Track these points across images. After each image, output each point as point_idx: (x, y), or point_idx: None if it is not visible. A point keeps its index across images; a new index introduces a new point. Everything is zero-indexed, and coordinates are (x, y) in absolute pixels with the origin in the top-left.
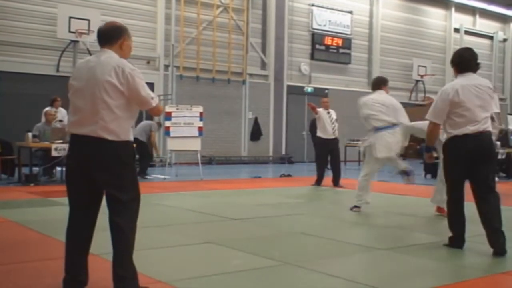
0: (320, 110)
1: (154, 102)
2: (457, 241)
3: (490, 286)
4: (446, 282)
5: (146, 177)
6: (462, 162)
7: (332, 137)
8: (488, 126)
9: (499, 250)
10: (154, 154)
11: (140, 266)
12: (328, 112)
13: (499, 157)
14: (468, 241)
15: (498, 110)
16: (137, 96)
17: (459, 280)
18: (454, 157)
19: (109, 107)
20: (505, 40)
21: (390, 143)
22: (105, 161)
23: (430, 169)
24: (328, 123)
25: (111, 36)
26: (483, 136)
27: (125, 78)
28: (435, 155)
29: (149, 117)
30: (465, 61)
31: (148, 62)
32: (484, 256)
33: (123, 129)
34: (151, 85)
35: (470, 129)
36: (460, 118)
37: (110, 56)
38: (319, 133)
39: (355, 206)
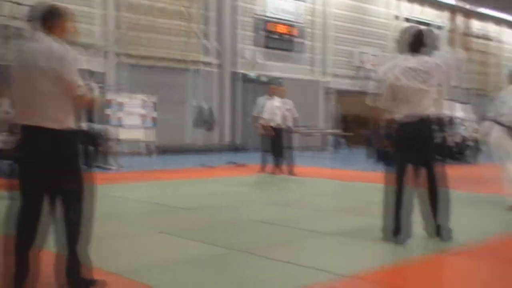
0: (265, 100)
1: (80, 91)
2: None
3: (432, 265)
4: (391, 262)
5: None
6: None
7: (278, 125)
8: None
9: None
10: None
11: (92, 258)
12: (277, 100)
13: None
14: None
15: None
16: (65, 81)
17: (401, 258)
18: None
19: (51, 94)
20: (440, 27)
21: None
22: (50, 150)
23: (381, 157)
24: (275, 111)
25: (49, 18)
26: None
27: (61, 62)
28: None
29: None
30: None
31: (99, 50)
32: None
33: (65, 116)
34: (102, 74)
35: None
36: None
37: (48, 40)
38: (265, 121)
39: None
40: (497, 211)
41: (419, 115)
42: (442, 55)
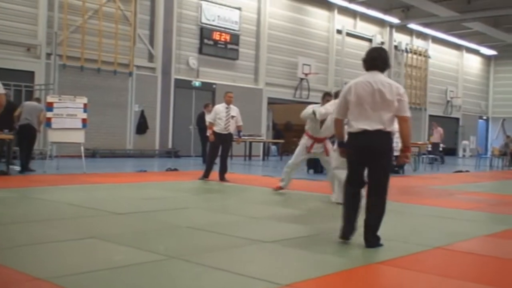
0: (217, 106)
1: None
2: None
3: (368, 275)
4: (325, 273)
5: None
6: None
7: (224, 132)
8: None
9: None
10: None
11: (18, 262)
12: (227, 107)
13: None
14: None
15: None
16: None
17: (337, 270)
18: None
19: None
20: (382, 43)
21: None
22: None
23: (312, 165)
24: (223, 118)
25: None
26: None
27: None
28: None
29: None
30: (369, 59)
31: (28, 50)
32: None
33: None
34: (31, 74)
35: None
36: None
37: None
38: (214, 127)
39: None
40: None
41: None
42: None
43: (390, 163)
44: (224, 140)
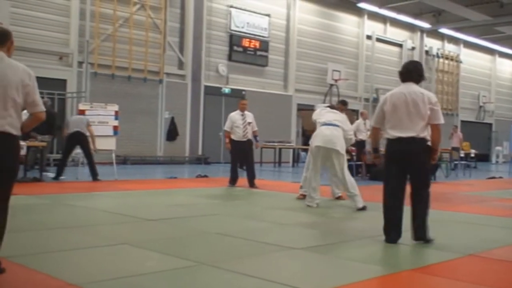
0: (232, 114)
1: (42, 108)
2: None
3: (399, 282)
4: (355, 280)
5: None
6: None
7: (243, 139)
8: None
9: None
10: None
11: (53, 268)
12: (243, 114)
13: None
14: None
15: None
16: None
17: (368, 277)
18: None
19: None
20: (413, 48)
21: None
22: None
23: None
24: (240, 125)
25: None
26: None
27: (31, 81)
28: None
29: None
30: (405, 72)
31: (61, 58)
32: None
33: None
34: (63, 82)
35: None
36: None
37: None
38: (231, 135)
39: None
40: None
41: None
42: None
43: (428, 161)
44: (244, 147)
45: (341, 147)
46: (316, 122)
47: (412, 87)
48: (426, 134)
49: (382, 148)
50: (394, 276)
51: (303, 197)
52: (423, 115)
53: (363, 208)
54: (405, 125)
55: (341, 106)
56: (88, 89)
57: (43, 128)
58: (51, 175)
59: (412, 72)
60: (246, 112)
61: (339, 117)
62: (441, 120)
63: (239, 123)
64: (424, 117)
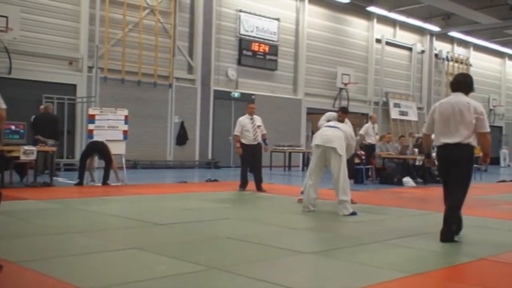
0: (241, 118)
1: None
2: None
3: (410, 286)
4: (366, 284)
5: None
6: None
7: (254, 143)
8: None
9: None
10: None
11: (63, 273)
12: (251, 118)
13: (417, 163)
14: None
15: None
16: None
17: (378, 281)
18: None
19: None
20: (422, 51)
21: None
22: None
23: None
24: (250, 129)
25: None
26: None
27: None
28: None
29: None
30: (455, 83)
31: (71, 63)
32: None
33: None
34: (73, 87)
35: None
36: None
37: None
38: (241, 139)
39: None
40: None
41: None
42: None
43: (470, 168)
44: (254, 151)
45: (340, 146)
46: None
47: (460, 97)
48: (471, 140)
49: (392, 151)
50: (405, 280)
51: (301, 201)
52: (468, 123)
53: (353, 214)
54: (451, 132)
55: (341, 114)
56: (98, 94)
57: (47, 133)
58: (61, 179)
59: (462, 83)
60: (254, 116)
61: (343, 125)
62: (487, 129)
63: (249, 127)
64: (469, 126)
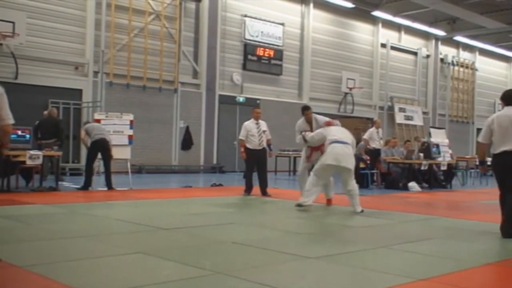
0: (247, 123)
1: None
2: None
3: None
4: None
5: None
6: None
7: (259, 148)
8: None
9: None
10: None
11: (69, 277)
12: (257, 123)
13: (422, 168)
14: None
15: None
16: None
17: (382, 287)
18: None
19: None
20: (428, 56)
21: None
22: None
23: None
24: (255, 134)
25: None
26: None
27: None
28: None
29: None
30: (506, 97)
31: (76, 68)
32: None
33: None
34: (79, 91)
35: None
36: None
37: None
38: (247, 144)
39: None
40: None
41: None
42: None
43: None
44: (260, 156)
45: (352, 164)
46: (325, 138)
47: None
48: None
49: (397, 156)
50: (410, 286)
51: (299, 206)
52: None
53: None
54: (509, 141)
55: (306, 112)
56: (103, 99)
57: (49, 134)
58: (67, 184)
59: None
60: (260, 121)
61: (347, 134)
62: None
63: (254, 131)
64: None
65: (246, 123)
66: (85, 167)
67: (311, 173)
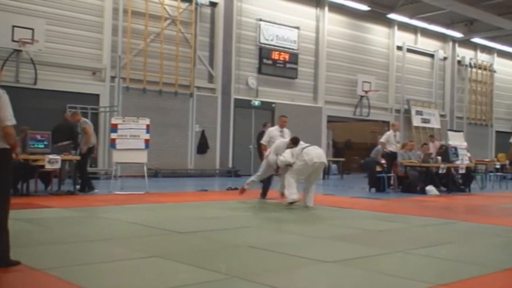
0: (272, 129)
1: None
2: None
3: None
4: None
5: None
6: None
7: None
8: None
9: None
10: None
11: (86, 281)
12: (281, 131)
13: (440, 171)
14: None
15: None
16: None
17: None
18: None
19: None
20: (445, 58)
21: None
22: None
23: (374, 183)
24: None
25: None
26: None
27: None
28: None
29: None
30: None
31: (94, 73)
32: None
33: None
34: (96, 96)
35: None
36: None
37: None
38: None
39: None
40: None
41: None
42: None
43: None
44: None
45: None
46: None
47: None
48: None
49: (414, 159)
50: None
51: (291, 204)
52: None
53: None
54: None
55: (291, 144)
56: (120, 103)
57: (65, 136)
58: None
59: None
60: (284, 129)
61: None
62: None
63: (277, 138)
64: None
65: (270, 129)
66: (83, 171)
67: (288, 177)
